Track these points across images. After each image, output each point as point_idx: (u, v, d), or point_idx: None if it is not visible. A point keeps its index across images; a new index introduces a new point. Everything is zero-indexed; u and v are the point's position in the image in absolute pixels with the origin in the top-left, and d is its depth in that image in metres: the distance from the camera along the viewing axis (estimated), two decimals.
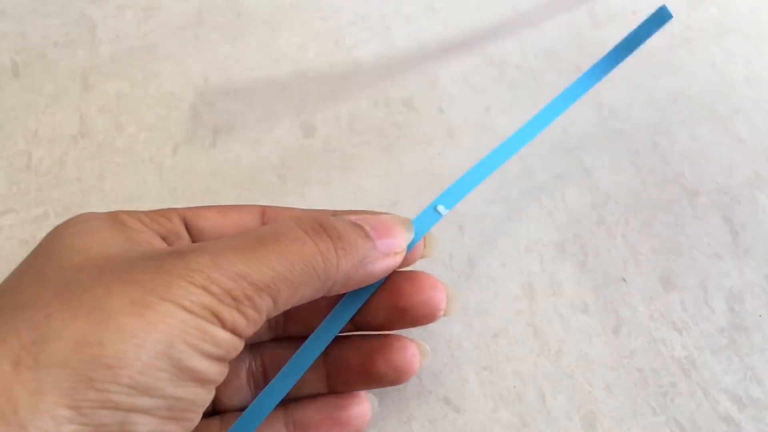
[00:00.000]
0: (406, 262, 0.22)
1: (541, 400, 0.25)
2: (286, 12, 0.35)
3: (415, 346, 0.23)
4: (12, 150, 0.31)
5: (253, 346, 0.24)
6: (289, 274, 0.18)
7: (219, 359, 0.18)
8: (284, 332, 0.25)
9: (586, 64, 0.33)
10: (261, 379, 0.24)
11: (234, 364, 0.23)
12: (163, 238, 0.22)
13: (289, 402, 0.23)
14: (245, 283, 0.18)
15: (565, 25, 0.34)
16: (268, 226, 0.20)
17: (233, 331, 0.18)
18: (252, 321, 0.18)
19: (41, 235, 0.29)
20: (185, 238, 0.22)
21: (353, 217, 0.21)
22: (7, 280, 0.19)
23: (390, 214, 0.22)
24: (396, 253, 0.21)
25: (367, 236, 0.20)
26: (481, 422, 0.25)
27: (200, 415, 0.18)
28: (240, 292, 0.18)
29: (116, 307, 0.16)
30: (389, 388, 0.26)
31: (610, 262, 0.28)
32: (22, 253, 0.28)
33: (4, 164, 0.30)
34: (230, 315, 0.17)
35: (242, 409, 0.23)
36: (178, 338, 0.16)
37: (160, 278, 0.17)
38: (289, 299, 0.19)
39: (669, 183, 0.30)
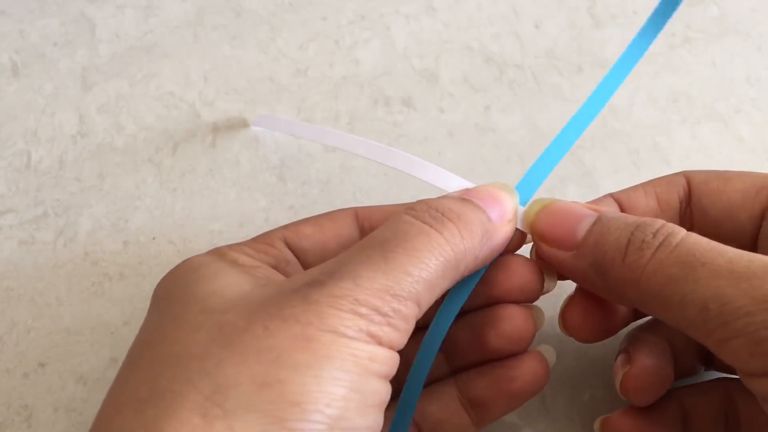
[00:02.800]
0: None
1: (541, 400, 0.25)
2: (286, 12, 0.35)
3: (527, 312, 0.22)
4: (11, 150, 0.31)
5: None
6: (426, 274, 0.18)
7: (386, 377, 0.18)
8: None
9: (587, 64, 0.33)
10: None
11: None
12: (275, 267, 0.21)
13: (458, 378, 0.23)
14: (389, 297, 0.17)
15: (565, 25, 0.34)
16: (384, 228, 0.19)
17: (390, 347, 0.18)
18: (404, 332, 0.18)
19: (40, 235, 0.29)
20: (293, 261, 0.22)
21: (457, 193, 0.21)
22: (144, 333, 0.19)
23: (484, 184, 0.22)
24: (509, 220, 0.21)
25: (479, 209, 0.20)
26: None
27: None
28: (387, 307, 0.17)
29: (283, 345, 0.16)
30: None
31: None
32: (22, 253, 0.28)
33: (3, 164, 0.30)
34: (384, 331, 0.17)
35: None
36: (352, 364, 0.16)
37: (311, 310, 0.17)
38: (430, 298, 0.18)
39: None
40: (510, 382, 0.22)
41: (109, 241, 0.29)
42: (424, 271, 0.18)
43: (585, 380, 0.26)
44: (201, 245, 0.29)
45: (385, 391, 0.17)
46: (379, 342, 0.17)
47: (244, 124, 0.31)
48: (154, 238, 0.29)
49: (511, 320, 0.22)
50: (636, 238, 0.19)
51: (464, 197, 0.20)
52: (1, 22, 0.34)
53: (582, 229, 0.20)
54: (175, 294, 0.19)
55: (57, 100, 0.32)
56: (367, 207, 0.24)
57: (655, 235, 0.19)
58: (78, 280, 0.28)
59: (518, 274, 0.22)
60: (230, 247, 0.22)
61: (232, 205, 0.30)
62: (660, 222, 0.19)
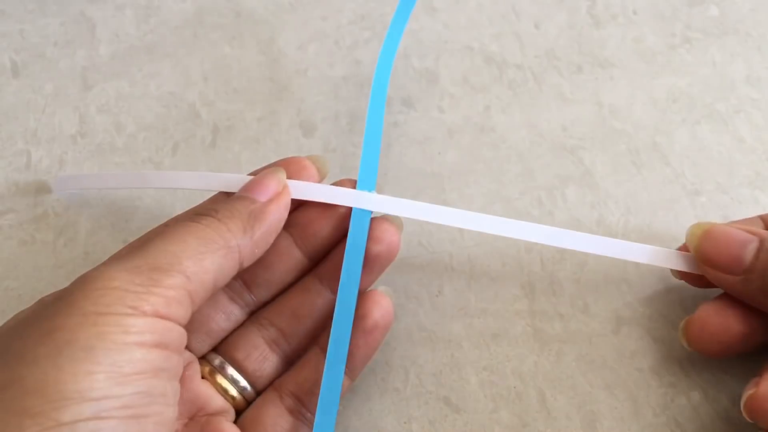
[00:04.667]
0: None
1: (541, 400, 0.25)
2: (286, 11, 0.35)
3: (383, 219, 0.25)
4: (11, 150, 0.31)
5: (252, 316, 0.25)
6: (188, 249, 0.19)
7: (156, 345, 0.18)
8: (258, 302, 0.25)
9: (587, 64, 0.33)
10: (283, 341, 0.24)
11: (246, 337, 0.24)
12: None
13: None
14: (146, 270, 0.18)
15: (565, 25, 0.34)
16: (149, 231, 0.23)
17: (156, 314, 0.18)
18: (174, 300, 0.19)
19: (40, 235, 0.29)
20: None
21: (224, 194, 0.24)
22: None
23: (260, 171, 0.24)
24: (277, 193, 0.23)
25: (242, 198, 0.22)
26: (481, 423, 0.25)
27: (171, 407, 0.19)
28: (144, 277, 0.18)
29: (27, 344, 0.17)
30: (389, 390, 0.25)
31: (610, 261, 0.28)
32: (22, 253, 0.28)
33: (3, 164, 0.30)
34: (143, 299, 0.18)
35: (276, 377, 0.24)
36: (96, 340, 0.17)
37: (63, 302, 0.18)
38: (201, 272, 0.20)
39: (669, 183, 0.30)
40: (361, 320, 0.23)
41: (110, 241, 0.29)
42: (185, 246, 0.20)
43: (585, 380, 0.26)
44: None
45: (156, 358, 0.18)
46: (141, 311, 0.18)
47: (47, 190, 0.30)
48: None
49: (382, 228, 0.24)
50: None
51: (235, 194, 0.23)
52: (1, 22, 0.34)
53: (748, 255, 0.22)
54: None
55: (57, 100, 0.32)
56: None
57: None
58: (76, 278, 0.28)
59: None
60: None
61: None
62: None
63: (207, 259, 0.20)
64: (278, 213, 0.23)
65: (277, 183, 0.23)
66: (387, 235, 0.24)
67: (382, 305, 0.23)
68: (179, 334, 0.19)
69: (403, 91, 0.32)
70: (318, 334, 0.24)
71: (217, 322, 0.24)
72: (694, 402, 0.25)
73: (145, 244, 0.20)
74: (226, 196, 0.24)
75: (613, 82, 0.32)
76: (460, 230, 0.29)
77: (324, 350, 0.23)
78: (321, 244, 0.25)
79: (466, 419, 0.25)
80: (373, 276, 0.24)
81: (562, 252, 0.28)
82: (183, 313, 0.19)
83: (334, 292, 0.24)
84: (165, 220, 0.29)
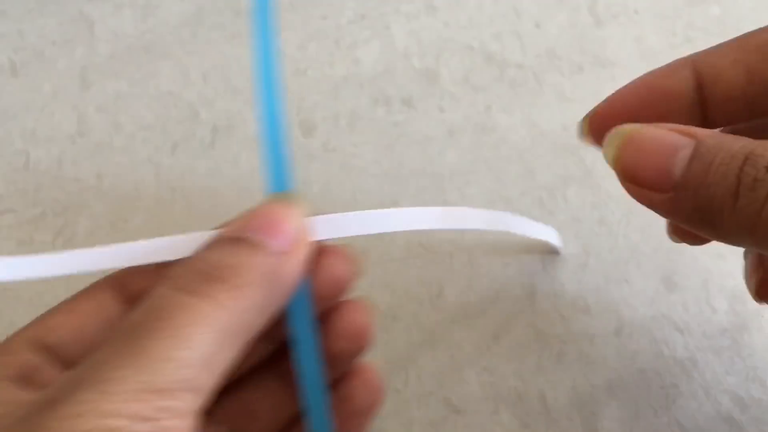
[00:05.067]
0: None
1: (542, 401, 0.25)
2: (286, 11, 0.34)
3: (359, 305, 0.19)
4: (10, 149, 0.31)
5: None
6: (198, 355, 0.15)
7: None
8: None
9: (588, 64, 0.33)
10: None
11: None
12: (21, 379, 0.17)
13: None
14: (150, 396, 0.14)
15: (566, 24, 0.34)
16: (140, 308, 0.16)
17: None
18: (186, 429, 0.15)
19: (39, 235, 0.29)
20: (45, 367, 0.18)
21: (229, 233, 0.17)
22: None
23: (261, 205, 0.18)
24: (297, 243, 0.17)
25: (255, 248, 0.16)
26: (481, 424, 0.25)
27: None
28: (150, 409, 0.14)
29: None
30: (389, 391, 0.25)
31: (611, 262, 0.27)
32: (20, 254, 0.28)
33: (1, 164, 0.30)
34: None
35: None
36: None
37: None
38: (212, 377, 0.15)
39: None
40: (347, 402, 0.20)
41: (108, 241, 0.28)
42: (194, 352, 0.14)
43: (585, 380, 0.25)
44: None
45: None
46: None
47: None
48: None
49: (347, 316, 0.19)
50: (746, 176, 0.15)
51: (237, 236, 0.17)
52: (0, 22, 0.34)
53: (678, 165, 0.16)
54: None
55: (56, 100, 0.32)
56: (132, 268, 0.19)
57: None
58: (77, 280, 0.28)
59: (332, 270, 0.19)
60: None
61: (232, 205, 0.29)
62: None
63: (218, 362, 0.15)
64: (302, 264, 0.17)
65: (297, 222, 0.17)
66: (354, 318, 0.19)
67: (368, 381, 0.20)
68: None
69: (403, 90, 0.32)
70: None
71: None
72: (695, 402, 0.25)
73: (141, 344, 0.14)
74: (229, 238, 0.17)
75: (614, 82, 0.32)
76: (461, 230, 0.28)
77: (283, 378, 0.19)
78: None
79: (466, 420, 0.25)
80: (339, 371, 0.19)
81: (563, 252, 0.28)
82: None
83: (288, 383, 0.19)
84: (164, 220, 0.29)
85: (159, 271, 0.17)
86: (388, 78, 0.32)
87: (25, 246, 0.28)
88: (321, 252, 0.18)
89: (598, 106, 0.20)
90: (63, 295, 0.27)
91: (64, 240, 0.28)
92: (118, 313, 0.19)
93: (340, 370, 0.20)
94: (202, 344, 0.15)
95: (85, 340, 0.18)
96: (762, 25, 0.34)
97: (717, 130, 0.17)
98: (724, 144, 0.16)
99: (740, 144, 0.16)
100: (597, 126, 0.20)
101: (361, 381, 0.20)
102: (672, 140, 0.17)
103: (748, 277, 0.21)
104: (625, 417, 0.25)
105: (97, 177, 0.30)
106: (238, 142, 0.31)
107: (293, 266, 0.17)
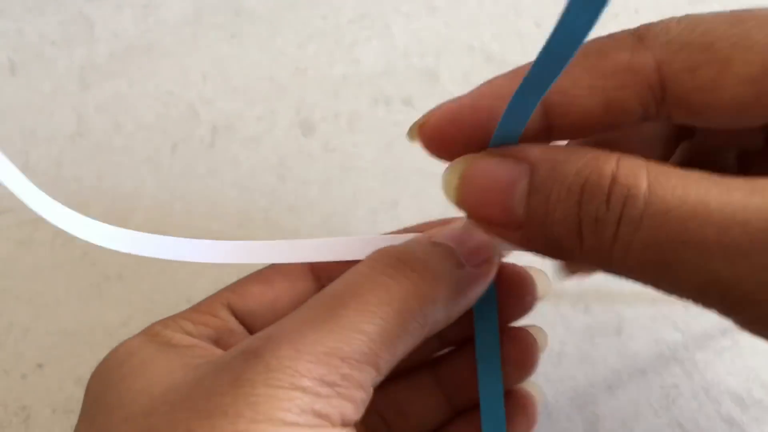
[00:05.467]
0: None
1: (542, 401, 0.25)
2: (286, 10, 0.34)
3: (531, 337, 0.20)
4: (9, 149, 0.31)
5: None
6: (384, 332, 0.15)
7: None
8: None
9: None
10: None
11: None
12: (216, 342, 0.18)
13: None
14: (338, 362, 0.15)
15: None
16: (337, 281, 0.17)
17: (342, 423, 0.15)
18: (360, 401, 0.15)
19: (39, 235, 0.29)
20: (239, 331, 0.19)
21: (427, 236, 0.18)
22: None
23: (460, 218, 0.18)
24: (487, 261, 0.18)
25: (449, 255, 0.17)
26: None
27: None
28: (336, 374, 0.15)
29: None
30: None
31: None
32: (19, 254, 0.28)
33: None
34: (333, 406, 0.15)
35: None
36: None
37: (242, 395, 0.14)
38: (391, 358, 0.16)
39: None
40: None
41: None
42: (381, 327, 0.15)
43: (585, 380, 0.25)
44: None
45: None
46: (330, 421, 0.14)
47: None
48: None
49: (518, 345, 0.20)
50: (587, 215, 0.14)
51: (437, 241, 0.17)
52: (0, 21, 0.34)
53: (518, 202, 0.15)
54: (102, 398, 0.16)
55: (55, 100, 0.32)
56: (323, 263, 0.20)
57: (608, 204, 0.14)
58: (76, 280, 0.28)
59: (515, 293, 0.20)
60: (165, 323, 0.18)
61: (232, 205, 0.29)
62: (609, 170, 0.14)
63: (401, 344, 0.16)
64: (483, 288, 0.18)
65: (490, 251, 0.18)
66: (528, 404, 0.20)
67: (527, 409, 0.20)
68: None
69: (403, 90, 0.32)
70: None
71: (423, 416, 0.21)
72: (695, 402, 0.25)
73: (337, 313, 0.15)
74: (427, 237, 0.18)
75: None
76: None
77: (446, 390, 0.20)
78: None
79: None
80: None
81: None
82: (363, 411, 0.16)
83: (449, 395, 0.21)
84: (164, 220, 0.29)
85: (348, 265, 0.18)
86: (388, 78, 0.32)
87: (25, 246, 0.28)
88: (513, 273, 0.20)
89: (431, 115, 0.18)
90: (63, 295, 0.28)
91: (64, 240, 0.28)
92: (310, 294, 0.19)
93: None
94: (388, 322, 0.15)
95: (277, 313, 0.19)
96: None
97: (552, 144, 0.16)
98: (558, 171, 0.14)
99: (575, 169, 0.14)
100: (431, 136, 0.18)
101: (520, 405, 0.20)
102: (506, 173, 0.15)
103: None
104: (625, 417, 0.25)
105: (97, 177, 0.30)
106: (238, 142, 0.31)
107: (477, 284, 0.17)
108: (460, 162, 0.17)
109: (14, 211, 0.29)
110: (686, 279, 0.13)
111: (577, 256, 0.15)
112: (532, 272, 0.20)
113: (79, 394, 0.26)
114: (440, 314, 0.17)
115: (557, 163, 0.14)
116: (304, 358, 0.14)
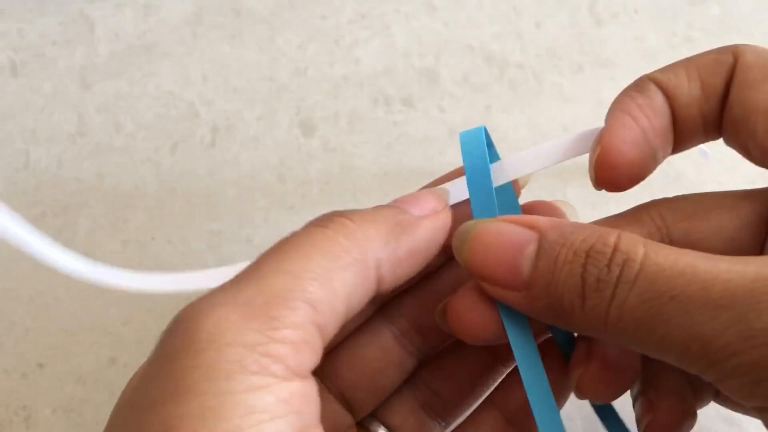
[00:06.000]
0: None
1: None
2: (286, 11, 0.34)
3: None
4: (10, 149, 0.31)
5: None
6: (309, 268, 0.15)
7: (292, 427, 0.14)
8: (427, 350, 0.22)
9: (588, 63, 0.33)
10: (440, 405, 0.21)
11: (400, 399, 0.21)
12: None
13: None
14: (261, 302, 0.14)
15: (566, 24, 0.33)
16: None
17: (291, 369, 0.14)
18: (302, 344, 0.14)
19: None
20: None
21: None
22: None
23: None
24: (435, 211, 0.18)
25: (391, 207, 0.18)
26: None
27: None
28: (261, 316, 0.14)
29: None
30: None
31: None
32: (20, 253, 0.28)
33: (1, 164, 0.30)
34: (268, 357, 0.14)
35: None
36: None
37: (168, 382, 0.14)
38: (330, 296, 0.15)
39: (671, 182, 0.29)
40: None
41: (108, 241, 0.29)
42: (303, 260, 0.15)
43: None
44: (200, 245, 0.29)
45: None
46: (269, 372, 0.14)
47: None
48: (153, 238, 0.29)
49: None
50: (590, 276, 0.15)
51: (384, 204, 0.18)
52: (0, 21, 0.34)
53: (526, 263, 0.16)
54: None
55: (56, 100, 0.32)
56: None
57: (609, 267, 0.15)
58: (76, 280, 0.28)
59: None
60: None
61: (232, 205, 0.29)
62: (612, 240, 0.15)
63: (337, 279, 0.15)
64: (432, 231, 0.18)
65: (436, 201, 0.18)
66: None
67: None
68: (315, 400, 0.15)
69: (403, 90, 0.32)
70: (478, 398, 0.21)
71: (388, 378, 0.21)
72: None
73: (257, 263, 0.15)
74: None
75: (615, 82, 0.32)
76: None
77: (505, 413, 0.21)
78: None
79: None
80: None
81: None
82: (314, 358, 0.15)
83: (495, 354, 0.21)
84: (164, 219, 0.29)
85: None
86: (388, 78, 0.32)
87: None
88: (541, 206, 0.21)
89: (601, 152, 0.20)
90: (63, 295, 0.28)
91: (64, 240, 0.28)
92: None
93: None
94: (314, 262, 0.15)
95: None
96: (761, 24, 0.34)
97: (560, 220, 0.18)
98: (567, 238, 0.16)
99: (582, 237, 0.16)
100: (606, 171, 0.20)
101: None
102: (516, 236, 0.17)
103: (571, 369, 0.19)
104: (626, 417, 0.25)
105: (97, 177, 0.30)
106: (238, 142, 0.31)
107: (424, 227, 0.17)
108: (473, 223, 0.18)
109: (15, 210, 0.29)
110: (672, 334, 0.14)
111: (576, 317, 0.16)
112: (559, 204, 0.21)
113: (80, 393, 0.26)
114: (383, 252, 0.16)
115: (566, 231, 0.16)
116: (223, 305, 0.14)
